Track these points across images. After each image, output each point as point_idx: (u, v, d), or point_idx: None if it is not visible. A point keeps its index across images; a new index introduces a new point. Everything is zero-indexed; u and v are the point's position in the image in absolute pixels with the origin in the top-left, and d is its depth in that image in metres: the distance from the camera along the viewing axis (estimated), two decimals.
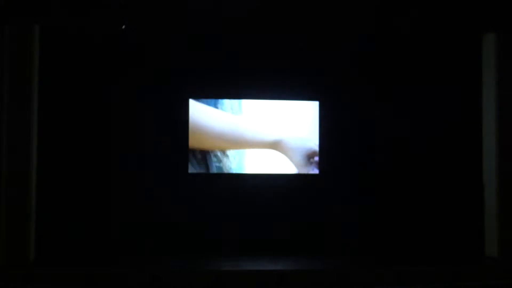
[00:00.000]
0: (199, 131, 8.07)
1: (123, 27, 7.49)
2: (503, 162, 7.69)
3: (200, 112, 8.08)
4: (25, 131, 7.28)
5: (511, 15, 7.41)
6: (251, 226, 8.03)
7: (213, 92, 8.18)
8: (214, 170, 8.07)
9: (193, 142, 8.05)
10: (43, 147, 7.54)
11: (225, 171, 8.10)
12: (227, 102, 8.15)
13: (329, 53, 8.20)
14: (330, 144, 8.28)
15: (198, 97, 8.14)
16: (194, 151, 8.06)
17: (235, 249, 7.87)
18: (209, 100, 8.11)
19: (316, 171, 8.23)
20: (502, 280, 6.61)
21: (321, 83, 8.34)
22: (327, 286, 6.41)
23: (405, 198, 8.16)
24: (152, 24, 7.59)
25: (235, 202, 8.12)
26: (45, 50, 7.56)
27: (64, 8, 7.08)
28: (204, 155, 8.09)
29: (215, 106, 8.13)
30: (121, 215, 7.84)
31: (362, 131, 8.28)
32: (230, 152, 8.13)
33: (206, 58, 8.08)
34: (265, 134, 8.18)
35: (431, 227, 8.04)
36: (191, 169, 8.07)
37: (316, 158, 8.20)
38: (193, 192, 8.11)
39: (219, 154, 8.11)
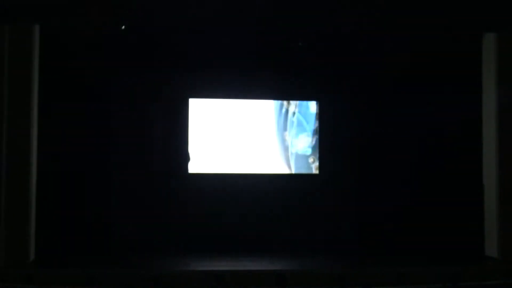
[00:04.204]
0: None
1: (123, 27, 7.49)
2: (503, 162, 7.68)
3: None
4: (25, 130, 7.27)
5: (511, 15, 7.41)
6: (251, 226, 8.04)
7: (213, 92, 8.20)
8: None
9: None
10: (43, 147, 7.54)
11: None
12: None
13: (329, 53, 8.20)
14: (329, 144, 8.28)
15: (198, 97, 8.16)
16: None
17: (235, 249, 7.87)
18: None
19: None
20: (502, 280, 6.60)
21: (321, 83, 8.35)
22: (327, 286, 6.40)
23: (405, 198, 8.15)
24: (152, 24, 7.60)
25: (235, 202, 8.12)
26: (45, 50, 7.56)
27: (64, 8, 7.08)
28: None
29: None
30: (121, 215, 7.85)
31: (362, 131, 8.28)
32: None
33: (206, 58, 8.08)
34: None
35: (431, 227, 8.04)
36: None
37: None
38: (193, 192, 8.11)
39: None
